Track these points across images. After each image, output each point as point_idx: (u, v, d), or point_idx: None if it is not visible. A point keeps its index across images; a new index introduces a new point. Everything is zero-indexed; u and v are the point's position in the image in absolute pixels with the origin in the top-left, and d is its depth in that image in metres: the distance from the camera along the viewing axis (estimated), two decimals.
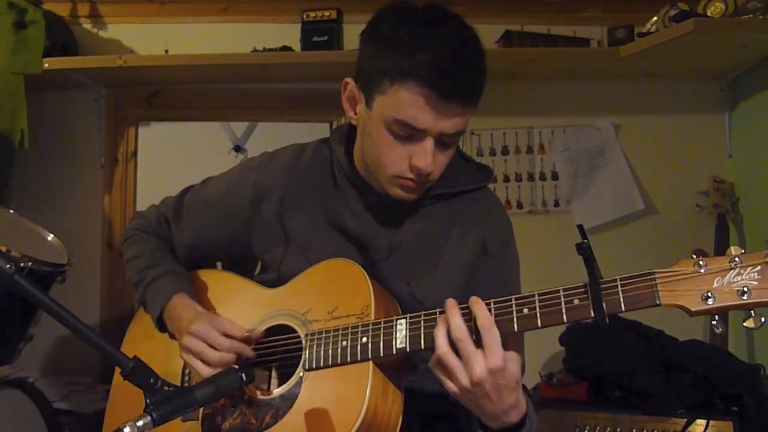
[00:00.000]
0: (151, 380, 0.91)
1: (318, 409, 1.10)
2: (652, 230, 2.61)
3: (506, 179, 2.65)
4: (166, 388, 0.91)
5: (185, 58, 2.45)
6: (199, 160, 2.64)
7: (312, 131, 2.65)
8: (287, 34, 2.53)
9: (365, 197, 1.26)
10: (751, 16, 2.16)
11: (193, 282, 1.38)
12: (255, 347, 1.24)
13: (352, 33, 2.36)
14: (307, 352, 1.15)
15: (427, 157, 1.12)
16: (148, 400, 0.89)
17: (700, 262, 0.92)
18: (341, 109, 1.24)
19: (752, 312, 0.90)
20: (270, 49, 2.46)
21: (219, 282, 1.39)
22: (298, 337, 1.19)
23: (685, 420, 1.93)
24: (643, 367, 2.01)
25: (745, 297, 0.89)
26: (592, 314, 0.95)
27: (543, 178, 2.65)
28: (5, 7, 2.25)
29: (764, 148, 2.44)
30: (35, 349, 1.88)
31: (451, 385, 1.01)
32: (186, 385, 1.29)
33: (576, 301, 0.97)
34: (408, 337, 1.07)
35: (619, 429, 1.98)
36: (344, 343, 1.11)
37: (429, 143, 1.11)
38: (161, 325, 1.31)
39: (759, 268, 0.89)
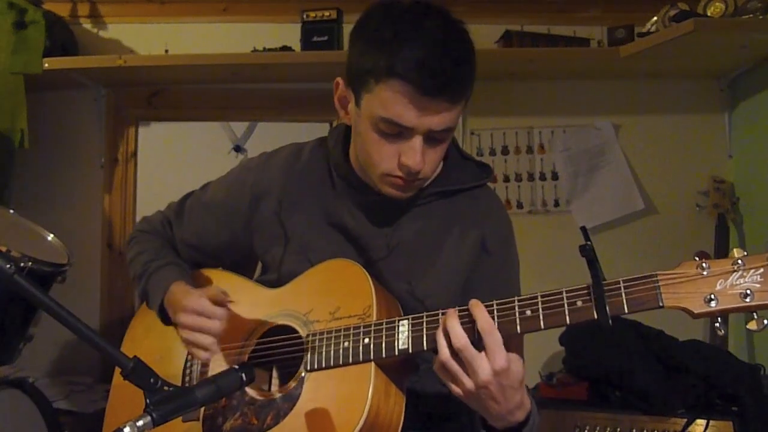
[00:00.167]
0: (151, 380, 0.91)
1: (320, 410, 1.10)
2: (652, 230, 2.61)
3: (506, 179, 2.65)
4: (166, 388, 0.91)
5: (185, 58, 2.45)
6: (199, 160, 2.63)
7: (312, 131, 2.65)
8: (287, 34, 2.53)
9: (363, 197, 1.26)
10: (751, 16, 2.16)
11: (196, 281, 1.38)
12: (256, 347, 1.24)
13: None
14: (309, 352, 1.15)
15: (415, 155, 1.11)
16: (148, 400, 0.89)
17: (703, 265, 0.92)
18: None
19: (755, 314, 0.90)
20: (270, 49, 2.46)
21: (221, 282, 1.39)
22: (300, 337, 1.19)
23: (685, 420, 1.93)
24: (643, 367, 2.01)
25: (747, 300, 0.89)
26: (596, 316, 0.95)
27: (543, 178, 2.65)
28: (5, 7, 2.25)
29: (764, 148, 2.44)
30: (35, 349, 1.88)
31: (456, 389, 1.01)
32: (187, 385, 1.29)
33: (579, 303, 0.97)
34: (410, 339, 1.07)
35: (619, 429, 1.98)
36: (346, 343, 1.11)
37: (417, 141, 1.11)
38: (163, 315, 1.30)
39: (762, 270, 0.89)
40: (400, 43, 1.06)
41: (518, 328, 1.00)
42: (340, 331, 1.13)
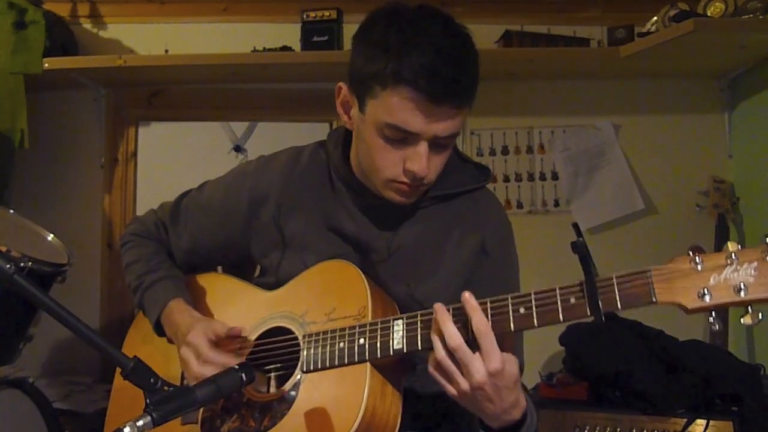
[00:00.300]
0: (152, 380, 0.91)
1: (316, 411, 1.10)
2: (652, 230, 2.60)
3: (506, 179, 2.65)
4: (166, 388, 0.91)
5: (185, 58, 2.45)
6: (199, 160, 2.63)
7: (312, 131, 2.65)
8: (287, 34, 2.53)
9: (363, 200, 1.26)
10: (751, 16, 2.15)
11: (191, 286, 1.38)
12: (253, 349, 1.24)
13: (352, 33, 2.35)
14: (305, 353, 1.15)
15: (421, 161, 1.11)
16: (148, 400, 0.89)
17: (697, 259, 0.91)
18: None
19: (749, 308, 0.89)
20: (270, 49, 2.46)
21: (217, 285, 1.39)
22: (296, 339, 1.19)
23: (685, 420, 1.92)
24: (643, 367, 2.01)
25: (742, 294, 0.88)
26: (589, 313, 0.95)
27: (543, 178, 2.65)
28: (5, 7, 2.25)
29: (764, 148, 2.44)
30: (35, 349, 1.88)
31: (451, 389, 1.01)
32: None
33: (572, 300, 0.97)
34: (405, 338, 1.07)
35: (619, 429, 1.98)
36: (341, 344, 1.11)
37: (423, 147, 1.11)
38: (159, 330, 1.31)
39: (756, 264, 0.88)
40: (406, 48, 1.06)
41: (512, 326, 1.00)
42: (335, 331, 1.13)
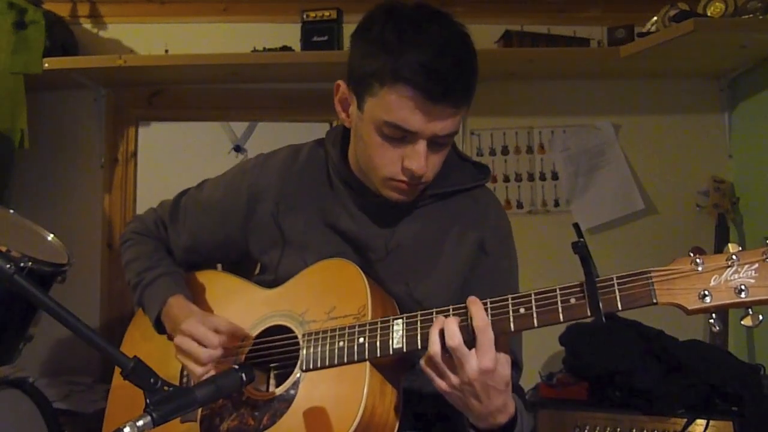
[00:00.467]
0: (151, 380, 0.91)
1: (315, 410, 1.10)
2: (652, 230, 2.60)
3: (506, 179, 2.65)
4: (166, 388, 0.91)
5: (185, 58, 2.45)
6: (199, 160, 2.63)
7: (312, 131, 2.65)
8: (287, 34, 2.53)
9: (361, 198, 1.26)
10: (751, 16, 2.15)
11: (191, 283, 1.38)
12: (253, 348, 1.24)
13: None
14: (304, 352, 1.15)
15: (420, 160, 1.11)
16: (148, 400, 0.89)
17: (697, 260, 0.91)
18: None
19: (750, 310, 0.89)
20: (270, 49, 2.46)
21: (217, 283, 1.39)
22: (296, 337, 1.19)
23: (685, 420, 1.92)
24: (643, 367, 2.01)
25: (742, 295, 0.88)
26: (589, 313, 0.95)
27: (543, 178, 2.65)
28: (5, 7, 2.25)
29: (764, 148, 2.43)
30: (35, 349, 1.89)
31: (440, 383, 1.02)
32: (185, 386, 1.29)
33: (572, 300, 0.97)
34: (405, 338, 1.07)
35: (619, 429, 1.98)
36: (341, 343, 1.11)
37: (422, 145, 1.11)
38: (159, 327, 1.31)
39: (756, 266, 0.88)
40: (405, 46, 1.06)
41: (512, 326, 1.00)
42: (335, 330, 1.13)
